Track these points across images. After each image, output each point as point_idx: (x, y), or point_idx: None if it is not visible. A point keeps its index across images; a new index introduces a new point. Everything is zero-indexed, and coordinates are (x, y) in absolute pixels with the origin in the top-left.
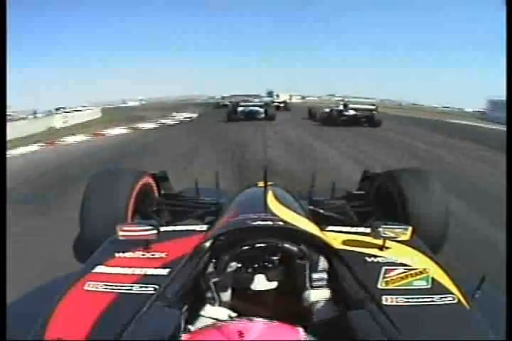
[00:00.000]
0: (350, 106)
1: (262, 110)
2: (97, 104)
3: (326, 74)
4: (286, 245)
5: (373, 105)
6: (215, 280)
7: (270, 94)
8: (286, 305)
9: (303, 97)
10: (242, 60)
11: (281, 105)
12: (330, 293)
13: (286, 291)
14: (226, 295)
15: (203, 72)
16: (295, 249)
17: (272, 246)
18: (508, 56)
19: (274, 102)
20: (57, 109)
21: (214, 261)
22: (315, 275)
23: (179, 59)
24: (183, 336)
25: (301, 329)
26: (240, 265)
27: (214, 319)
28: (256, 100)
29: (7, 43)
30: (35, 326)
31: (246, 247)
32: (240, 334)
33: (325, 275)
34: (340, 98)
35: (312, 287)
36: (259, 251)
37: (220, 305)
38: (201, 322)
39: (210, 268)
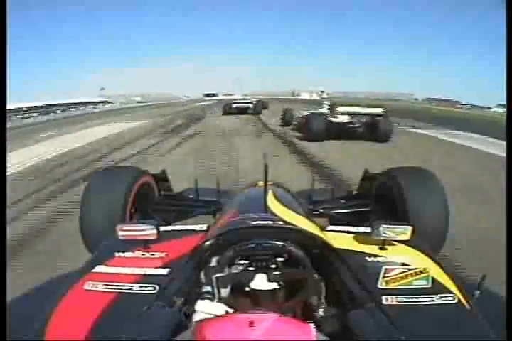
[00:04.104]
0: (341, 109)
1: (251, 106)
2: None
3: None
4: (291, 248)
5: (380, 108)
6: (217, 275)
7: None
8: (285, 306)
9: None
10: None
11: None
12: (330, 293)
13: (285, 293)
14: (225, 292)
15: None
16: (300, 253)
17: (277, 247)
18: (508, 56)
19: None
20: (207, 95)
21: (218, 256)
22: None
23: None
24: (194, 324)
25: (312, 325)
26: (243, 262)
27: (210, 315)
28: (247, 99)
29: (7, 43)
30: (35, 326)
31: (251, 245)
32: (251, 324)
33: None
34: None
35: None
36: (264, 251)
37: (218, 301)
38: (198, 317)
39: (213, 263)
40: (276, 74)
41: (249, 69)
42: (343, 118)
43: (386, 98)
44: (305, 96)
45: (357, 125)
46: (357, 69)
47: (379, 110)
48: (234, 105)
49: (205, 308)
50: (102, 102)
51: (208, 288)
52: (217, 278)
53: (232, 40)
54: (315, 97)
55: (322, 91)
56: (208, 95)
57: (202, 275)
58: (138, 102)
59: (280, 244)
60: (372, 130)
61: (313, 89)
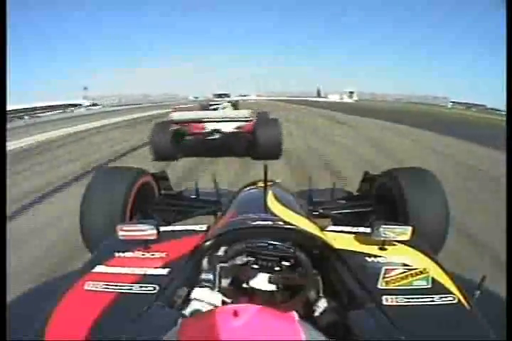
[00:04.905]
0: (176, 115)
1: (229, 105)
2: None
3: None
4: (298, 253)
5: (246, 110)
6: (222, 264)
7: None
8: (282, 307)
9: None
10: None
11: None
12: (330, 293)
13: (283, 295)
14: (226, 282)
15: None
16: (306, 259)
17: (286, 251)
18: (508, 56)
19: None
20: (218, 95)
21: (226, 246)
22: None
23: None
24: (179, 320)
25: (295, 314)
26: (249, 258)
27: (207, 303)
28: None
29: (7, 43)
30: (35, 326)
31: (261, 243)
32: (235, 313)
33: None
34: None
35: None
36: (272, 252)
37: (218, 291)
38: (195, 305)
39: (220, 252)
40: (296, 75)
41: (256, 70)
42: (208, 127)
43: (419, 101)
44: (334, 97)
45: (217, 136)
46: (380, 70)
47: (243, 113)
48: (211, 107)
49: (203, 297)
50: (78, 105)
51: (210, 276)
52: (221, 267)
53: (234, 40)
54: (346, 99)
55: (351, 92)
56: (219, 95)
57: (205, 263)
58: (88, 106)
59: (290, 247)
60: (248, 142)
61: (341, 90)
